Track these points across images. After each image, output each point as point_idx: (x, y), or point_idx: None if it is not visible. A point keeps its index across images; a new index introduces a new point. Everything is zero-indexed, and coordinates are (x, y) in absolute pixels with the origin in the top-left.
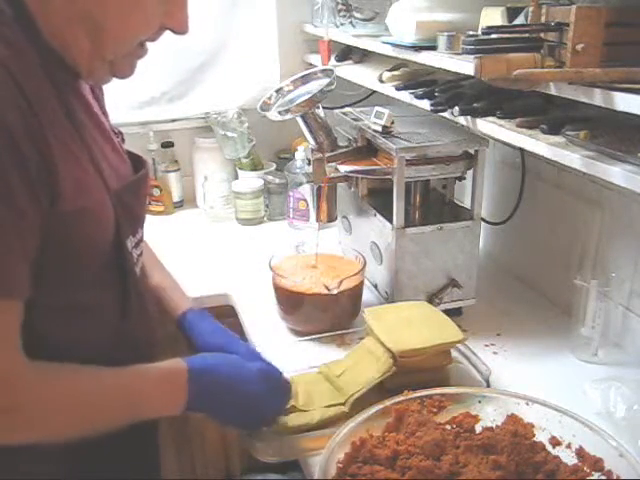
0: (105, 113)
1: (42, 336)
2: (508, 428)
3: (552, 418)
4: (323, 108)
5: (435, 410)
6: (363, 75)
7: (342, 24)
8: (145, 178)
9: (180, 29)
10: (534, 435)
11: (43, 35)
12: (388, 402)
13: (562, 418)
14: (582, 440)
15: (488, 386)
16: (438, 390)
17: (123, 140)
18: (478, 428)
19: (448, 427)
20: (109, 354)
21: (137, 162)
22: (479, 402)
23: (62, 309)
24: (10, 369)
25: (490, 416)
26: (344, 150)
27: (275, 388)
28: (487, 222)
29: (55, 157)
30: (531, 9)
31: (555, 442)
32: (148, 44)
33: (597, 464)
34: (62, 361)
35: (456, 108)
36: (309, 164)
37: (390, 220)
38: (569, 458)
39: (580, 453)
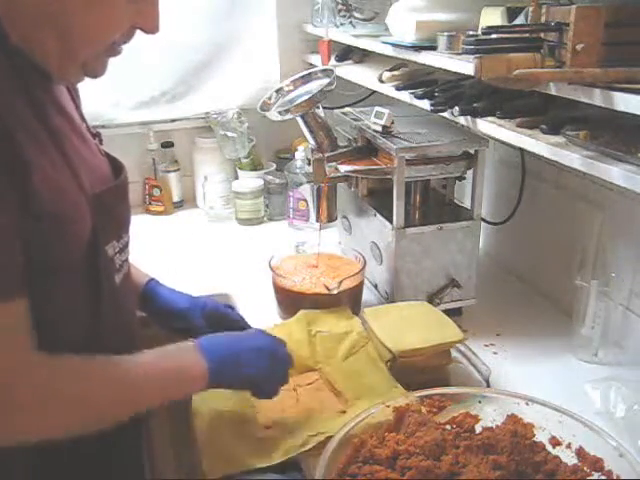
0: (81, 114)
1: None
2: (508, 428)
3: (552, 418)
4: (323, 108)
5: (435, 410)
6: (363, 75)
7: (342, 24)
8: (127, 181)
9: (150, 29)
10: (534, 435)
11: (10, 37)
12: (388, 402)
13: (562, 418)
14: (582, 440)
15: (488, 386)
16: (438, 390)
17: (101, 142)
18: (478, 428)
19: (448, 427)
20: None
21: (116, 165)
22: (479, 402)
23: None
24: (14, 370)
25: (490, 416)
26: (344, 150)
27: (276, 356)
28: (487, 222)
29: (27, 160)
30: (531, 9)
31: (555, 442)
32: (131, 44)
33: (597, 464)
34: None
35: (456, 108)
36: (309, 164)
37: (390, 220)
38: (569, 458)
39: (580, 453)
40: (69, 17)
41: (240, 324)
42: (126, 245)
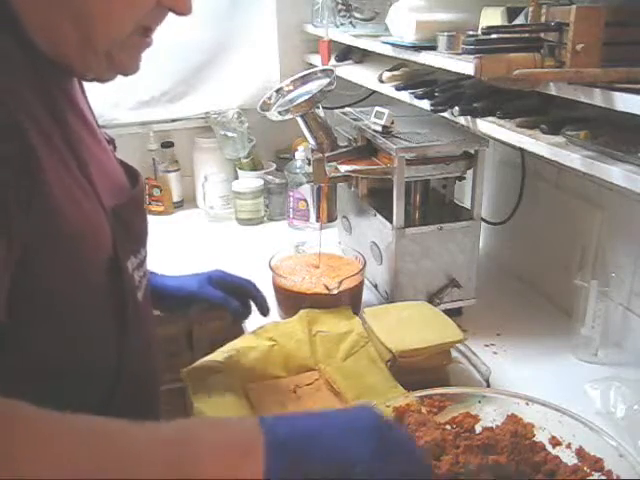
0: (94, 115)
1: (33, 370)
2: (508, 428)
3: (552, 418)
4: (323, 108)
5: (435, 410)
6: (363, 75)
7: (342, 24)
8: (143, 190)
9: (181, 8)
10: (534, 435)
11: (28, 32)
12: (388, 402)
13: (562, 418)
14: (582, 440)
15: (488, 386)
16: (438, 390)
17: (115, 148)
18: (478, 428)
19: (448, 427)
20: (108, 391)
21: (131, 173)
22: (479, 402)
23: (54, 342)
24: None
25: (490, 416)
26: (344, 150)
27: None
28: (487, 222)
29: (43, 168)
30: (531, 9)
31: (555, 442)
32: (153, 36)
33: (597, 464)
34: (55, 401)
35: (456, 108)
36: (309, 164)
37: (390, 220)
38: (569, 458)
39: (580, 453)
40: None
41: (253, 291)
42: (144, 260)
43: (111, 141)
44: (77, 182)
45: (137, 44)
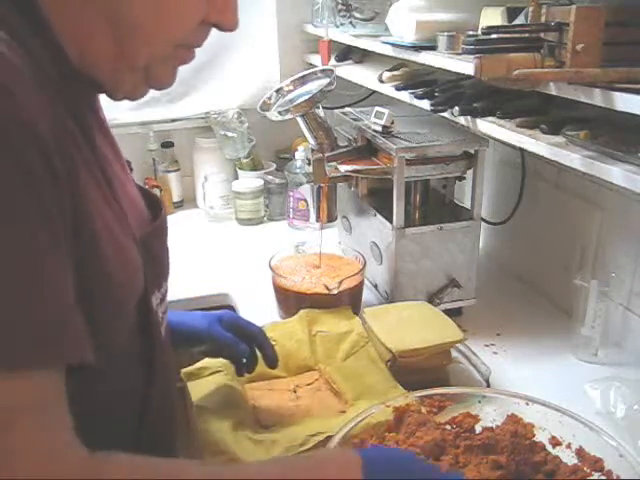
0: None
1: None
2: (508, 428)
3: (552, 418)
4: (323, 108)
5: (435, 410)
6: (363, 75)
7: (342, 24)
8: (167, 219)
9: (229, 24)
10: (534, 435)
11: (60, 42)
12: (388, 402)
13: (562, 418)
14: (582, 440)
15: (488, 386)
16: (438, 390)
17: (131, 170)
18: (478, 428)
19: (448, 427)
20: (131, 433)
21: (151, 199)
22: (479, 402)
23: (81, 385)
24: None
25: (490, 416)
26: (344, 150)
27: None
28: (487, 222)
29: (82, 190)
30: (531, 9)
31: (555, 442)
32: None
33: (597, 464)
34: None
35: (456, 108)
36: (309, 164)
37: (390, 220)
38: (569, 458)
39: (580, 453)
40: (130, 8)
41: (263, 339)
42: (165, 293)
43: (128, 163)
44: (114, 213)
45: (177, 58)
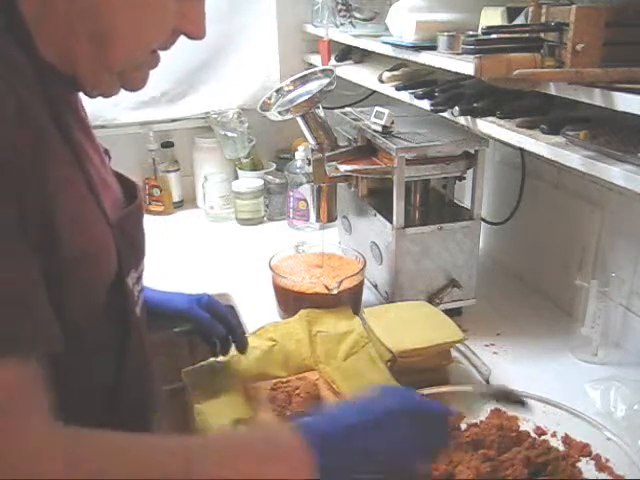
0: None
1: None
2: (493, 422)
3: (535, 409)
4: (323, 108)
5: None
6: (363, 75)
7: (342, 24)
8: (142, 203)
9: (197, 33)
10: (519, 427)
11: (38, 45)
12: None
13: (545, 408)
14: (567, 427)
15: None
16: (438, 389)
17: (109, 158)
18: (463, 426)
19: None
20: (105, 413)
21: (127, 185)
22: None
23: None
24: (28, 452)
25: (474, 412)
26: (344, 150)
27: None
28: (487, 222)
29: (52, 194)
30: (531, 9)
31: (540, 432)
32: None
33: (585, 449)
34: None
35: (456, 108)
36: (309, 164)
37: (390, 220)
38: (556, 446)
39: (566, 440)
40: (111, 18)
41: (235, 323)
42: (142, 273)
43: (106, 152)
44: (85, 202)
45: (149, 62)
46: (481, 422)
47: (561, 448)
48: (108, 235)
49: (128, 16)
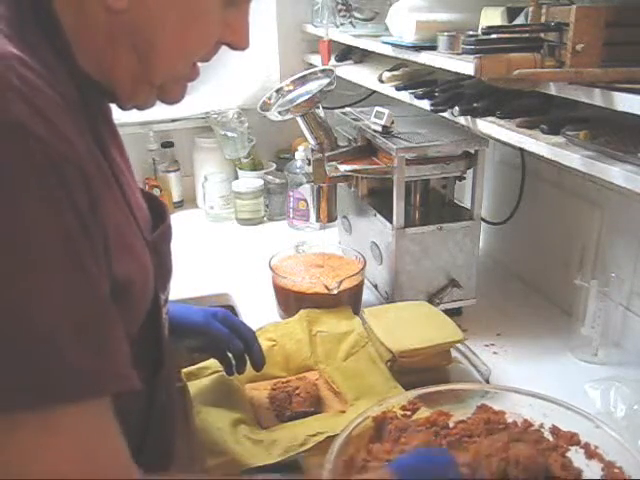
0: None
1: None
2: (480, 417)
3: (521, 402)
4: (323, 108)
5: (409, 413)
6: (363, 75)
7: (342, 24)
8: (171, 224)
9: (241, 44)
10: (506, 420)
11: (76, 56)
12: (367, 413)
13: (531, 400)
14: (554, 419)
15: None
16: (437, 388)
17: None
18: (451, 424)
19: (424, 427)
20: (138, 433)
21: (155, 203)
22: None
23: None
24: None
25: (460, 410)
26: (344, 150)
27: None
28: (487, 222)
29: (103, 214)
30: (531, 9)
31: (527, 424)
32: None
33: (573, 439)
34: None
35: (456, 108)
36: (309, 164)
37: (390, 220)
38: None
39: (554, 431)
40: (156, 31)
41: (252, 340)
42: (168, 295)
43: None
44: (129, 224)
45: (189, 75)
46: (468, 418)
47: (550, 439)
48: (148, 257)
49: (175, 30)
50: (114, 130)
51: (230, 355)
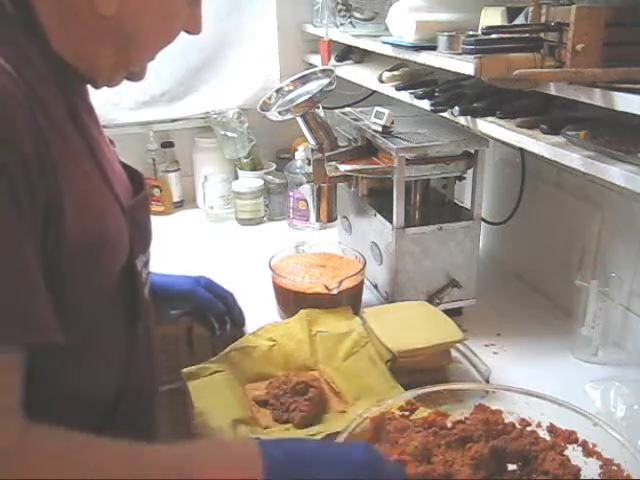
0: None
1: (39, 383)
2: (478, 417)
3: (518, 401)
4: (323, 108)
5: (407, 414)
6: (363, 75)
7: (342, 24)
8: (147, 193)
9: (196, 29)
10: (504, 420)
11: (51, 42)
12: (364, 414)
13: (528, 399)
14: (552, 417)
15: None
16: (437, 387)
17: (114, 146)
18: (449, 424)
19: (422, 428)
20: (113, 399)
21: (134, 175)
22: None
23: (65, 349)
24: (5, 443)
25: (458, 410)
26: (344, 150)
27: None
28: (487, 222)
29: (64, 184)
30: (531, 9)
31: (525, 424)
32: None
33: (571, 437)
34: (64, 410)
35: (456, 108)
36: (309, 164)
37: (390, 220)
38: (542, 436)
39: (552, 430)
40: (136, 28)
41: (232, 303)
42: (149, 258)
43: (111, 142)
44: (100, 189)
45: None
46: (466, 418)
47: (548, 438)
48: (122, 221)
49: (152, 27)
50: (91, 108)
51: (212, 319)
